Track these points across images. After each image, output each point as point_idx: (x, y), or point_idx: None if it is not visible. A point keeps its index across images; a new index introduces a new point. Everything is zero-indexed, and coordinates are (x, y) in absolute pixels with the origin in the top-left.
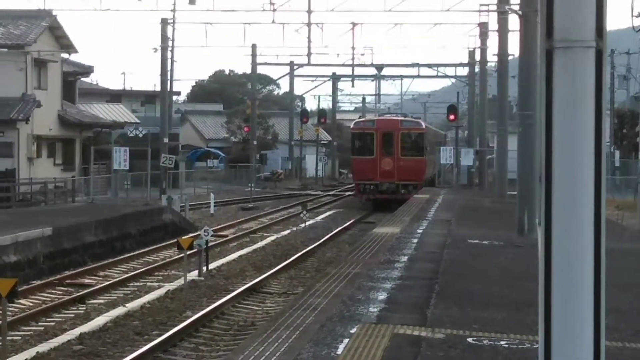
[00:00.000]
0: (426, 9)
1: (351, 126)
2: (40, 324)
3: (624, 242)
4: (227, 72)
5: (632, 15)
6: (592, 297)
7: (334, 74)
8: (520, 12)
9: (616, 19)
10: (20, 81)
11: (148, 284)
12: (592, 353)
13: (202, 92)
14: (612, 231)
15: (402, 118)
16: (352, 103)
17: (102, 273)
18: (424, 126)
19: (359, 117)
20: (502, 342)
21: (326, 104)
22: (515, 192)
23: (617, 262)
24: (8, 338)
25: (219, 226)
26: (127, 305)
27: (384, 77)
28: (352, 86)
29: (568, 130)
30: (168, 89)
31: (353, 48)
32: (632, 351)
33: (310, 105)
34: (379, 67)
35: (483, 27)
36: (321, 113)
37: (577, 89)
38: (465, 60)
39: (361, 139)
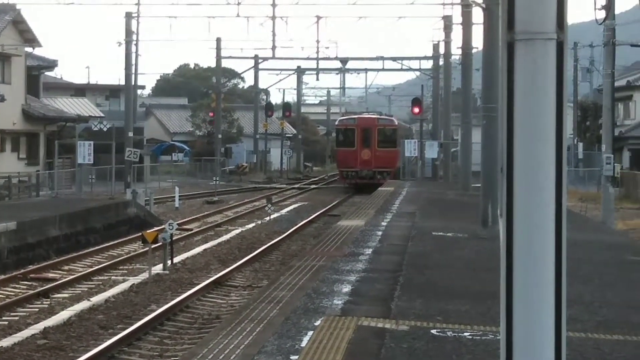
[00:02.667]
0: (391, 2)
1: (336, 123)
2: (4, 318)
3: (588, 233)
4: (191, 65)
5: (595, 8)
6: (554, 289)
7: (298, 67)
8: (483, 5)
9: (580, 12)
10: None
11: (113, 277)
12: (554, 344)
13: (166, 85)
14: (575, 223)
15: (378, 116)
16: (317, 96)
17: (66, 267)
18: (396, 123)
19: (343, 115)
20: (465, 334)
21: (291, 97)
22: (480, 185)
23: (580, 253)
24: None
25: (184, 220)
26: (91, 299)
27: (348, 70)
28: (317, 79)
29: (529, 122)
30: (132, 83)
31: (318, 41)
32: (594, 341)
33: (275, 98)
34: (344, 61)
35: (447, 20)
36: (286, 106)
37: (538, 81)
38: (430, 53)
39: (344, 134)
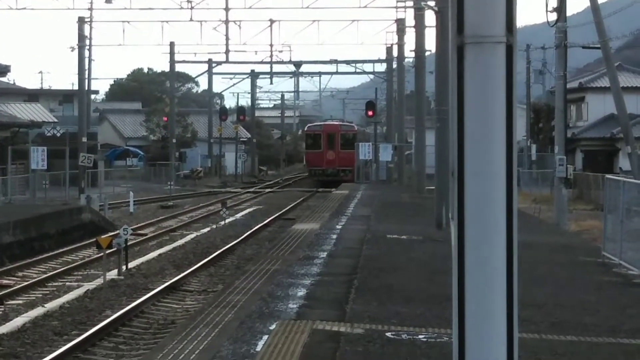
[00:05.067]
0: (343, 5)
1: (305, 129)
2: None
3: (541, 235)
4: (145, 70)
5: (547, 11)
6: (505, 291)
7: (252, 71)
8: (436, 8)
9: (532, 15)
10: None
11: (67, 283)
12: (506, 346)
13: (120, 90)
14: (529, 224)
15: (341, 123)
16: (271, 100)
17: (20, 273)
18: (356, 129)
19: (312, 123)
20: (420, 336)
21: (245, 101)
22: (434, 187)
23: (534, 255)
24: None
25: (139, 225)
26: (46, 305)
27: (302, 74)
28: (271, 83)
29: (480, 125)
30: (86, 88)
31: (271, 45)
32: (548, 343)
33: (229, 102)
34: (298, 64)
35: (400, 24)
36: (240, 110)
37: (488, 84)
38: (384, 56)
39: (312, 138)
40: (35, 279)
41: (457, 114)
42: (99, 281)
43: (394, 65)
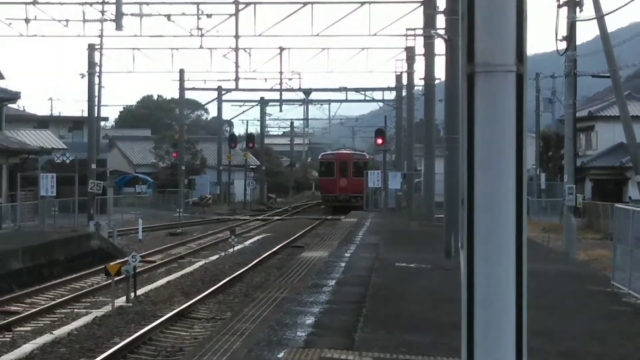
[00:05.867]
0: (353, 33)
1: (319, 157)
2: None
3: (550, 264)
4: (155, 97)
5: (557, 39)
6: (515, 321)
7: (262, 98)
8: (445, 37)
9: (542, 43)
10: None
11: (75, 310)
12: None
13: (130, 117)
14: (538, 253)
15: (353, 152)
16: (280, 127)
17: (29, 300)
18: (367, 157)
19: (325, 152)
20: None
21: (254, 128)
22: (443, 215)
23: (543, 284)
24: None
25: (147, 252)
26: (54, 332)
27: (311, 101)
28: (280, 111)
29: (489, 153)
30: (95, 115)
31: (281, 73)
32: None
33: (239, 129)
34: (307, 92)
35: (410, 52)
36: (249, 137)
37: (498, 113)
38: (393, 84)
39: (326, 166)
40: (44, 306)
41: (467, 142)
42: (107, 308)
43: (404, 93)
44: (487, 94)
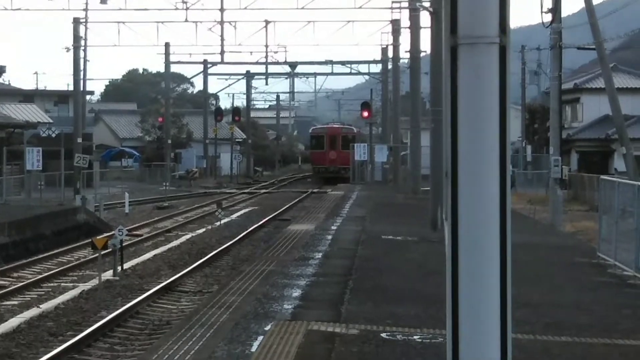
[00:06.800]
0: (339, 6)
1: (310, 131)
2: None
3: (536, 235)
4: (140, 71)
5: (542, 12)
6: (499, 291)
7: (247, 72)
8: (431, 9)
9: (527, 15)
10: None
11: (62, 284)
12: (499, 347)
13: (115, 91)
14: (524, 225)
15: (342, 126)
16: (266, 101)
17: (15, 274)
18: (355, 131)
19: (315, 126)
20: (415, 337)
21: (240, 102)
22: (429, 188)
23: (529, 256)
24: None
25: (134, 225)
26: (41, 306)
27: (297, 74)
28: (266, 84)
29: (473, 126)
30: (81, 89)
31: (266, 46)
32: (542, 343)
33: (225, 103)
34: (293, 65)
35: (395, 24)
36: (235, 111)
37: (481, 85)
38: (379, 57)
39: (317, 139)
40: (31, 280)
41: (450, 115)
42: (94, 282)
43: (389, 66)
44: (470, 66)
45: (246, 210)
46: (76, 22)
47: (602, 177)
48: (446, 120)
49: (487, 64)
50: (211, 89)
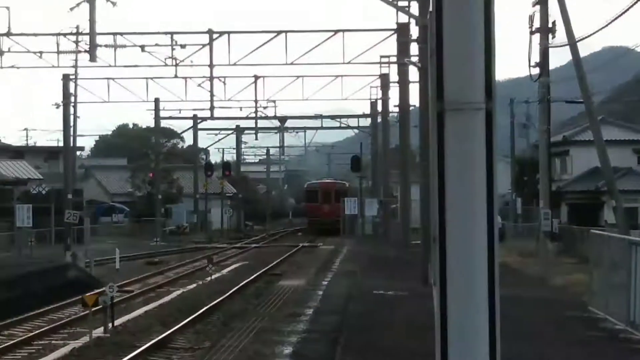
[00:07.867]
0: (328, 61)
1: (305, 186)
2: None
3: (527, 289)
4: (130, 125)
5: (530, 66)
6: (488, 348)
7: (237, 126)
8: (419, 65)
9: (516, 68)
10: None
11: (53, 342)
12: None
13: (105, 146)
14: (514, 278)
15: (335, 181)
16: (256, 155)
17: (6, 332)
18: (347, 185)
19: (310, 180)
20: None
21: (230, 156)
22: (420, 242)
23: (520, 310)
24: None
25: (125, 281)
26: None
27: (287, 129)
28: (256, 139)
29: (460, 191)
30: (71, 145)
31: (256, 101)
32: None
33: (215, 158)
34: (283, 119)
35: (384, 79)
36: (225, 166)
37: (468, 150)
38: (368, 110)
39: (311, 193)
40: (21, 338)
41: (437, 180)
42: (85, 339)
43: (379, 120)
44: (457, 131)
45: (237, 265)
46: (66, 78)
47: (592, 230)
48: (433, 185)
49: (473, 129)
50: (201, 144)
